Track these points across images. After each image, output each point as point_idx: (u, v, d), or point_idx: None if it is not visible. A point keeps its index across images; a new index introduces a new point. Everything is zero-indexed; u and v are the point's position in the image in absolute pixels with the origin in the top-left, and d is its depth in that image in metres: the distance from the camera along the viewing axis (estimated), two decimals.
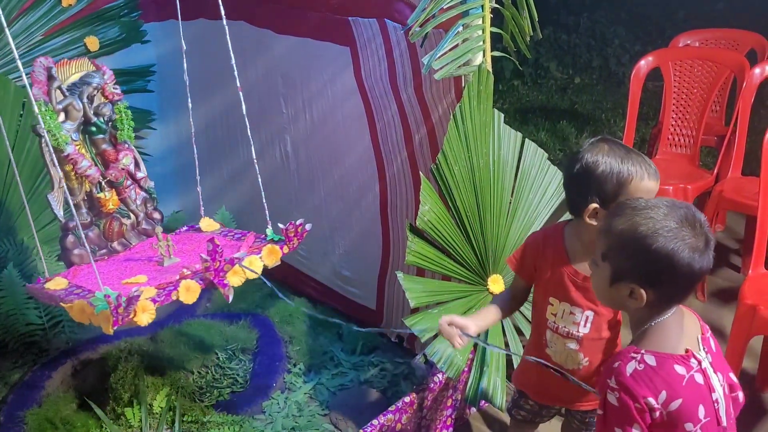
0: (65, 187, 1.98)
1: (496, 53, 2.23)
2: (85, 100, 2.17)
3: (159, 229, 2.15)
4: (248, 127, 2.17)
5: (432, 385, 2.27)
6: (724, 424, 1.27)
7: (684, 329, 1.30)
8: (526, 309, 2.25)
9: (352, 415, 2.44)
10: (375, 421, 2.13)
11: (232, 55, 2.08)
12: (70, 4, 3.04)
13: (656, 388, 1.21)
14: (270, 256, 2.10)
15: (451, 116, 2.11)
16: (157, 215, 2.40)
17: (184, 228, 2.43)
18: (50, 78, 2.11)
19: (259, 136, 2.85)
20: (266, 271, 2.08)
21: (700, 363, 1.25)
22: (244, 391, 2.57)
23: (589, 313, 1.62)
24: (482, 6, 2.09)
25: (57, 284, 2.02)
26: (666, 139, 3.55)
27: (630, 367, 1.23)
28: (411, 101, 2.38)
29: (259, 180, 2.21)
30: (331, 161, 2.83)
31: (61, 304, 1.92)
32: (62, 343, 2.73)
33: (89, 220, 2.22)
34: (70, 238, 2.15)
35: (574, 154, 1.55)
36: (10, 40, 1.65)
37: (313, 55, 2.66)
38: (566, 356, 1.68)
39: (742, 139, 3.20)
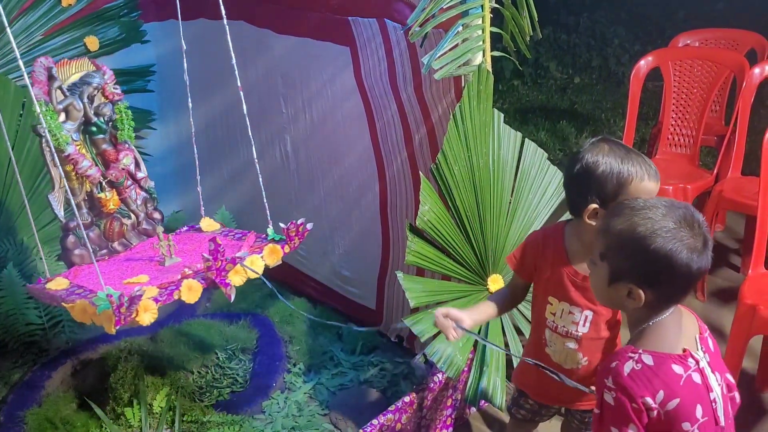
0: (66, 186, 1.98)
1: (496, 53, 2.23)
2: (85, 100, 2.18)
3: (160, 229, 2.15)
4: (249, 126, 2.17)
5: (432, 384, 2.27)
6: (722, 423, 1.27)
7: (682, 329, 1.30)
8: (526, 309, 2.26)
9: (352, 414, 2.45)
10: (375, 421, 2.14)
11: (233, 55, 2.08)
12: (70, 4, 3.04)
13: (654, 388, 1.21)
14: (271, 256, 2.10)
15: (451, 116, 2.11)
16: (157, 215, 2.40)
17: (185, 228, 2.43)
18: (51, 78, 2.11)
19: (259, 136, 2.85)
20: (266, 271, 2.08)
21: (697, 362, 1.25)
22: (244, 391, 2.57)
23: (588, 313, 1.62)
24: (482, 6, 2.09)
25: (58, 284, 2.02)
26: (666, 139, 3.55)
27: (627, 367, 1.23)
28: (411, 101, 2.38)
29: (260, 180, 2.21)
30: (331, 161, 2.83)
31: (63, 304, 1.92)
32: (62, 343, 2.74)
33: (90, 220, 2.22)
34: (71, 238, 2.15)
35: (575, 154, 1.55)
36: (12, 39, 1.66)
37: (312, 55, 2.66)
38: (565, 356, 1.69)
39: (742, 139, 3.21)
